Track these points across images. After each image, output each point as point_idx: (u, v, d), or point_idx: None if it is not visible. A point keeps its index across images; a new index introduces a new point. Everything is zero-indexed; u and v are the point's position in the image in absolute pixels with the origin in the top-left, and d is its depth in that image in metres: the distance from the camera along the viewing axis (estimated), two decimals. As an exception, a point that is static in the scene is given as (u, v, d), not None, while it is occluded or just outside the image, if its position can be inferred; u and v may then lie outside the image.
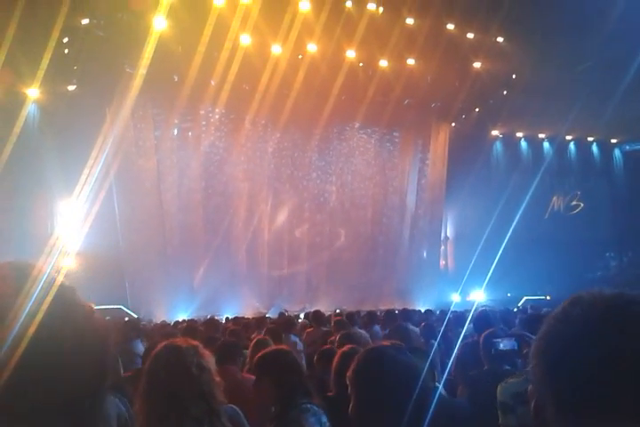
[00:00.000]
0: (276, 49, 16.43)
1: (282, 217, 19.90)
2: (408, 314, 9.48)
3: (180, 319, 12.93)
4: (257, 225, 19.50)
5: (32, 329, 0.72)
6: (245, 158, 19.38)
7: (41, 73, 13.33)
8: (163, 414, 2.39)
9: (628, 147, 26.86)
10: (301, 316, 13.12)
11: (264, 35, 15.89)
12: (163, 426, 2.37)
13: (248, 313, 15.77)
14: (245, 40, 15.86)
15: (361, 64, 18.24)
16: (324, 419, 2.85)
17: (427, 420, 2.12)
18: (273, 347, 3.46)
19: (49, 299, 0.77)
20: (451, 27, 17.86)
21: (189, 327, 6.98)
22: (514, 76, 20.11)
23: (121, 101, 15.18)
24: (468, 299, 19.57)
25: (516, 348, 4.30)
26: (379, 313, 10.24)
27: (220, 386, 2.59)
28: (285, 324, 8.01)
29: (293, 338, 7.36)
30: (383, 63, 18.20)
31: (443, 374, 5.02)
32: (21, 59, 13.42)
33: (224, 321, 11.65)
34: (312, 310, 10.87)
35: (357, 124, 20.92)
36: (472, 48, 18.66)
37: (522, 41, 17.83)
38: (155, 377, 2.47)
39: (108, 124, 15.60)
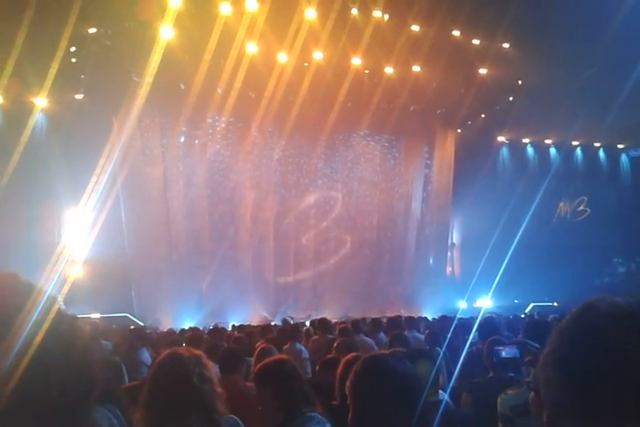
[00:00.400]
0: (282, 57, 16.49)
1: (288, 224, 19.90)
2: (413, 321, 9.46)
3: (187, 327, 12.92)
4: (263, 232, 19.51)
5: (26, 342, 0.74)
6: (251, 166, 19.42)
7: (48, 82, 13.42)
8: (162, 423, 2.39)
9: (634, 152, 26.73)
10: (307, 323, 13.10)
11: (270, 43, 15.95)
12: None
13: (254, 321, 15.78)
14: (251, 48, 15.93)
15: (366, 71, 18.28)
16: None
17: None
18: (272, 357, 3.46)
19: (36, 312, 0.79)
20: (456, 33, 17.85)
21: (194, 336, 6.98)
22: (520, 82, 20.08)
23: (128, 110, 15.27)
24: (474, 306, 19.50)
25: (518, 356, 4.28)
26: (384, 320, 10.22)
27: (221, 397, 2.58)
28: (290, 332, 8.00)
29: (298, 346, 7.36)
30: (389, 70, 18.22)
31: (448, 381, 5.01)
32: (29, 68, 13.54)
33: (230, 329, 11.66)
34: (318, 318, 10.87)
35: (363, 131, 20.94)
36: (477, 54, 18.65)
37: (527, 47, 17.81)
38: (156, 386, 2.46)
39: (116, 132, 15.70)
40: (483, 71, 19.07)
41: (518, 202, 18.02)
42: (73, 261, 14.79)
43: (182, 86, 16.90)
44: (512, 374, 4.45)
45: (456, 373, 5.07)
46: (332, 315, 15.66)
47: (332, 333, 8.27)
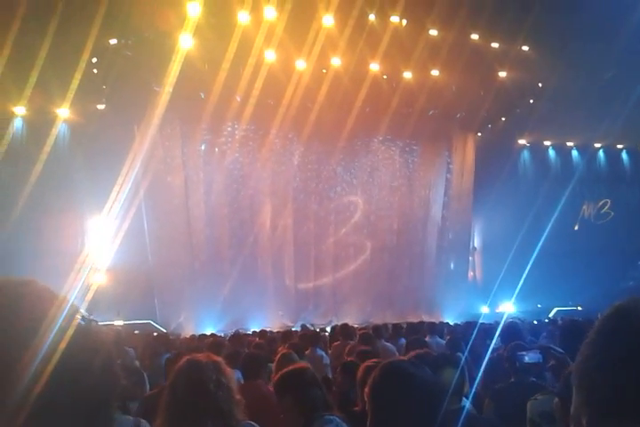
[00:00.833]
0: (301, 64, 16.56)
1: (307, 230, 19.92)
2: (434, 327, 9.40)
3: (207, 333, 12.98)
4: (282, 239, 19.55)
5: (47, 351, 0.76)
6: (271, 172, 19.49)
7: (71, 93, 13.64)
8: None
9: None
10: (328, 329, 13.09)
11: (288, 50, 16.03)
12: None
13: (275, 327, 15.80)
14: (270, 56, 16.02)
15: (385, 76, 18.27)
16: None
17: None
18: (292, 366, 3.48)
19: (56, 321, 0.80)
20: (475, 37, 17.78)
21: (215, 342, 7.01)
22: (540, 85, 19.91)
23: (149, 119, 15.45)
24: (497, 311, 19.31)
25: (541, 361, 4.24)
26: (404, 326, 10.17)
27: (240, 403, 2.59)
28: (311, 337, 8.01)
29: (319, 352, 7.36)
30: (407, 75, 18.19)
31: (471, 387, 4.98)
32: (52, 79, 13.77)
33: (251, 334, 11.69)
34: (339, 324, 10.85)
35: (382, 137, 20.90)
36: (497, 57, 18.54)
37: (547, 49, 17.67)
38: (174, 392, 2.49)
39: (137, 141, 15.88)
40: (502, 74, 18.96)
41: (540, 205, 17.87)
42: (96, 269, 14.97)
43: (202, 95, 17.06)
44: (534, 380, 4.41)
45: (478, 379, 5.03)
46: (352, 321, 15.62)
47: (354, 338, 8.25)
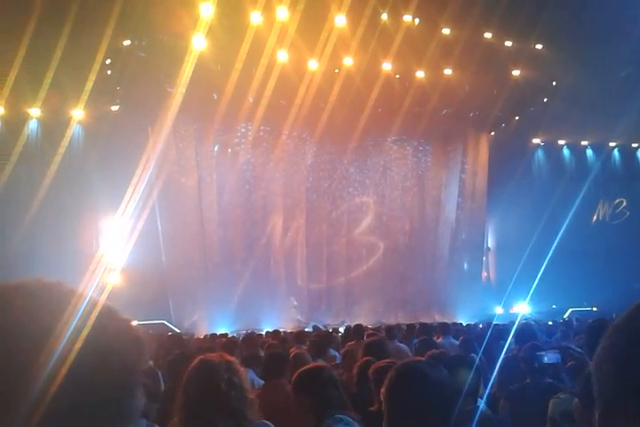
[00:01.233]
0: (313, 64, 16.57)
1: (320, 231, 19.91)
2: (447, 327, 9.36)
3: (217, 333, 13.02)
4: (295, 239, 19.57)
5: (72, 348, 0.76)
6: (283, 173, 19.52)
7: (85, 94, 13.76)
8: None
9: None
10: (341, 329, 13.08)
11: (300, 50, 16.05)
12: None
13: (288, 327, 15.81)
14: (282, 56, 16.05)
15: (397, 76, 18.24)
16: None
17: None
18: (310, 365, 3.46)
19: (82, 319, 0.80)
20: (488, 35, 17.70)
21: (229, 342, 7.02)
22: (554, 83, 19.77)
23: (163, 120, 15.52)
24: (511, 311, 19.19)
25: (560, 361, 4.18)
26: (417, 326, 10.13)
27: (253, 403, 2.58)
28: (325, 338, 8.01)
29: (333, 352, 7.36)
30: (420, 74, 18.14)
31: (485, 388, 4.94)
32: (66, 81, 13.88)
33: (264, 335, 11.71)
34: (352, 324, 10.84)
35: (394, 136, 20.84)
36: (510, 56, 18.44)
37: (561, 47, 17.55)
38: (187, 392, 2.50)
39: (151, 143, 15.96)
40: (516, 73, 18.85)
41: (555, 205, 17.74)
42: (111, 270, 15.05)
43: (215, 96, 17.12)
44: (550, 380, 4.37)
45: (492, 379, 4.99)
46: (365, 321, 15.59)
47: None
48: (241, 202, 19.01)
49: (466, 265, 21.74)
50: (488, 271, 22.71)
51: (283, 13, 14.69)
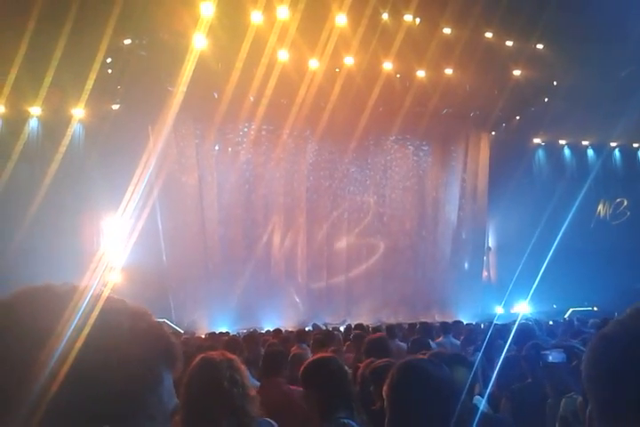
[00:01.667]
0: (313, 63, 16.57)
1: (320, 230, 19.92)
2: (448, 326, 9.35)
3: (216, 332, 13.04)
4: (295, 238, 19.59)
5: (76, 346, 0.75)
6: (284, 172, 19.53)
7: (86, 93, 13.74)
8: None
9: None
10: (341, 328, 13.08)
11: (301, 49, 16.04)
12: None
13: (289, 326, 15.81)
14: (283, 55, 16.05)
15: (398, 75, 18.24)
16: None
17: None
18: (318, 355, 3.42)
19: (92, 317, 0.79)
20: (489, 35, 17.69)
21: (231, 341, 7.02)
22: (555, 83, 19.76)
23: (163, 119, 15.52)
24: (512, 311, 19.18)
25: (565, 360, 4.14)
26: (418, 325, 10.14)
27: (255, 400, 2.58)
28: (328, 336, 8.01)
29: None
30: (420, 74, 18.14)
31: (485, 387, 4.93)
32: (66, 80, 13.88)
33: (266, 334, 11.71)
34: (353, 323, 10.84)
35: (395, 136, 20.85)
36: (511, 56, 18.43)
37: (562, 47, 17.53)
38: (189, 390, 2.50)
39: (152, 142, 15.97)
40: (516, 73, 18.84)
41: (556, 205, 17.72)
42: (112, 268, 15.06)
43: (216, 95, 17.12)
44: (552, 380, 4.36)
45: (493, 378, 4.99)
46: (365, 320, 15.60)
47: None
48: (241, 201, 19.02)
49: (466, 265, 21.73)
50: (489, 271, 22.70)
51: (283, 13, 14.68)
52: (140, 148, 14.91)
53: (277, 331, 11.36)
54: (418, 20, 16.86)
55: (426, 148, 21.78)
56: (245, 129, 18.79)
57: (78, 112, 16.17)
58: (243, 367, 2.69)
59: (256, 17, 14.71)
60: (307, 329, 13.03)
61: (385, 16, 16.38)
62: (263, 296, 17.86)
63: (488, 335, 7.36)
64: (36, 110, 16.22)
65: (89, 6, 12.67)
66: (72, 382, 0.73)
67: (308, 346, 6.96)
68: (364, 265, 20.41)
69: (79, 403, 0.74)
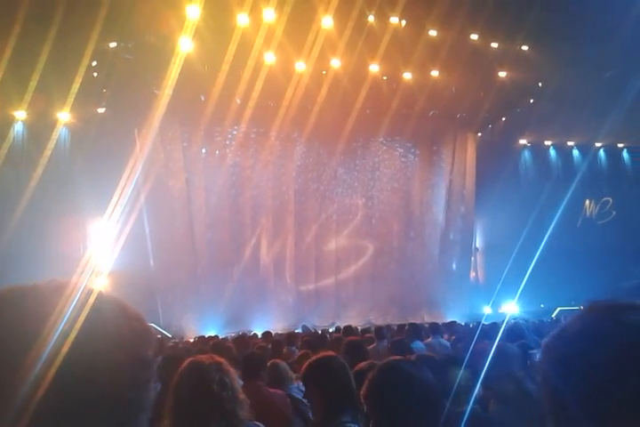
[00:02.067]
0: (300, 65, 16.58)
1: (309, 232, 19.91)
2: (437, 327, 9.37)
3: (208, 336, 12.98)
4: (284, 240, 19.56)
5: (65, 346, 0.75)
6: (272, 175, 19.51)
7: (71, 97, 13.64)
8: None
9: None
10: (331, 330, 13.08)
11: (288, 52, 16.05)
12: None
13: (278, 329, 15.78)
14: (269, 58, 16.04)
15: (385, 77, 18.28)
16: None
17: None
18: (320, 354, 3.40)
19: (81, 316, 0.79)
20: (474, 37, 17.79)
21: (217, 343, 7.00)
22: (540, 84, 19.91)
23: (150, 123, 15.44)
24: (500, 311, 19.27)
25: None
26: (406, 327, 10.15)
27: (244, 404, 2.57)
28: (318, 339, 8.00)
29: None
30: (407, 76, 18.21)
31: (473, 387, 4.93)
32: (52, 83, 13.78)
33: (259, 337, 11.67)
34: (342, 325, 10.82)
35: (382, 138, 20.90)
36: (497, 57, 18.55)
37: (547, 49, 17.67)
38: (177, 394, 2.49)
39: (138, 145, 15.89)
40: (502, 74, 18.96)
41: (542, 205, 17.85)
42: (98, 273, 14.95)
43: (202, 98, 17.07)
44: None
45: (481, 379, 4.99)
46: (354, 322, 15.60)
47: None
48: (229, 204, 18.97)
49: (454, 265, 21.81)
50: (476, 271, 22.81)
51: (270, 15, 14.68)
52: (126, 151, 14.82)
53: (267, 334, 11.33)
54: (404, 23, 16.93)
55: (413, 149, 21.84)
56: (234, 132, 18.75)
57: (64, 116, 16.07)
58: (232, 370, 2.68)
59: (242, 19, 14.69)
60: (296, 331, 13.03)
61: (371, 18, 16.42)
62: (252, 299, 17.81)
63: (476, 336, 7.39)
64: (21, 114, 16.10)
65: (74, 10, 12.60)
66: (60, 385, 0.72)
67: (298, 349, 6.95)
68: (352, 267, 20.42)
69: (69, 405, 0.73)
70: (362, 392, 2.12)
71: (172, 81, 13.72)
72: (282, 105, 16.78)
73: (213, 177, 18.70)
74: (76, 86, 13.30)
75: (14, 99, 15.10)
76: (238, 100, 16.77)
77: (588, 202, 24.59)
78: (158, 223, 17.44)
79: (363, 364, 3.51)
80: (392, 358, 2.33)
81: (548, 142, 24.74)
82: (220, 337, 12.36)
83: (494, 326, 8.67)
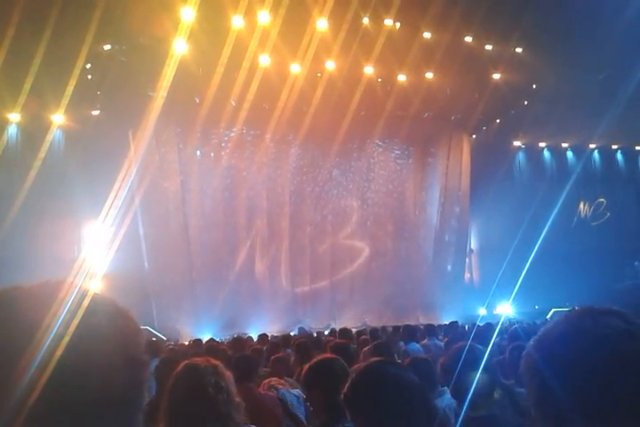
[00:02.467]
0: (295, 68, 16.59)
1: (304, 234, 19.90)
2: (433, 329, 9.39)
3: (204, 339, 12.95)
4: (279, 243, 19.55)
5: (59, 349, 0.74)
6: (266, 177, 19.50)
7: (65, 99, 13.61)
8: None
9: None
10: (326, 333, 13.07)
11: (282, 54, 16.05)
12: None
13: (274, 331, 15.76)
14: (264, 60, 16.04)
15: (379, 79, 18.30)
16: None
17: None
18: (321, 356, 3.38)
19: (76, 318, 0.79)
20: (469, 39, 17.83)
21: (211, 347, 6.99)
22: (534, 86, 19.97)
23: (144, 125, 15.41)
24: (495, 312, 19.30)
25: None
26: (401, 328, 10.16)
27: (240, 407, 2.57)
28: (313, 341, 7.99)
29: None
30: (401, 78, 18.22)
31: (467, 393, 4.92)
32: (46, 86, 13.74)
33: (255, 339, 11.65)
34: (338, 327, 10.82)
35: (377, 140, 20.91)
36: (491, 59, 18.59)
37: (541, 51, 17.71)
38: (173, 397, 2.48)
39: (133, 147, 15.87)
40: (496, 76, 19.00)
41: (537, 206, 17.86)
42: (93, 276, 14.91)
43: (197, 100, 17.06)
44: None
45: (476, 381, 4.99)
46: (350, 324, 15.60)
47: (353, 341, 8.22)
48: (224, 206, 18.94)
49: (449, 267, 21.83)
50: (471, 273, 22.85)
51: (264, 17, 14.68)
52: (121, 153, 14.82)
53: (263, 336, 11.30)
54: (398, 25, 16.94)
55: (408, 151, 21.87)
56: (230, 134, 18.73)
57: (58, 118, 16.03)
58: (228, 373, 2.67)
59: (237, 21, 14.68)
60: (292, 334, 13.01)
61: (366, 20, 16.44)
62: (247, 302, 17.77)
63: (471, 337, 7.39)
64: (15, 117, 16.06)
65: (68, 12, 12.57)
66: (54, 387, 0.72)
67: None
68: (347, 269, 20.41)
69: (63, 407, 0.73)
70: (342, 395, 2.04)
71: (167, 83, 13.71)
72: (277, 107, 16.79)
73: (208, 179, 18.68)
74: (70, 89, 13.28)
75: (8, 101, 15.06)
76: (233, 103, 16.76)
77: (582, 203, 24.68)
78: (153, 225, 17.40)
79: (317, 359, 3.44)
80: (373, 359, 2.24)
81: (542, 144, 24.82)
82: (216, 340, 12.33)
83: (489, 328, 8.69)
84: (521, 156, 24.62)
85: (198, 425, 2.42)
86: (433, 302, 19.98)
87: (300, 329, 14.45)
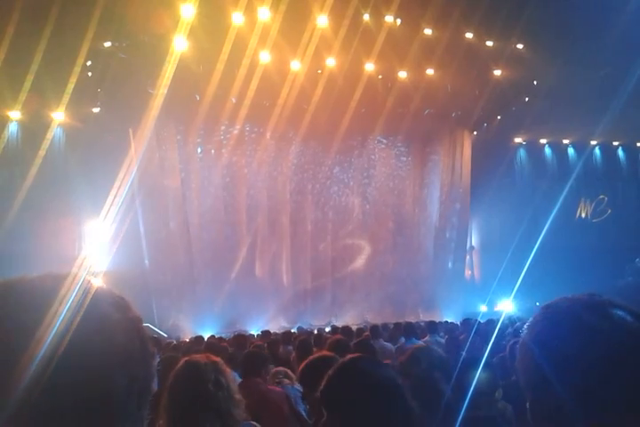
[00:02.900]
0: (295, 65, 16.56)
1: (304, 231, 19.90)
2: (434, 326, 9.39)
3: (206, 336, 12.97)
4: (279, 240, 19.56)
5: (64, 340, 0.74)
6: (267, 174, 19.50)
7: (66, 97, 13.61)
8: None
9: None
10: (327, 330, 13.08)
11: (283, 51, 16.02)
12: None
13: (274, 328, 15.79)
14: (264, 57, 16.02)
15: (380, 76, 18.28)
16: None
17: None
18: (318, 353, 3.37)
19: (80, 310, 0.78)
20: (469, 35, 17.79)
21: (211, 343, 7.00)
22: (535, 83, 19.92)
23: (145, 122, 15.40)
24: (495, 309, 19.30)
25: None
26: (402, 325, 10.16)
27: (240, 403, 2.56)
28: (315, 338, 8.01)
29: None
30: (402, 74, 18.20)
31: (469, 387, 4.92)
32: (46, 83, 13.74)
33: (256, 337, 11.69)
34: (339, 325, 10.83)
35: (378, 137, 20.91)
36: (491, 56, 18.55)
37: (542, 47, 17.68)
38: (173, 393, 2.48)
39: (133, 145, 15.86)
40: (497, 73, 18.96)
41: (538, 203, 17.89)
42: (93, 273, 14.91)
43: (197, 97, 17.04)
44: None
45: (476, 378, 4.99)
46: (351, 321, 15.63)
47: (354, 339, 8.23)
48: (225, 203, 18.95)
49: (450, 264, 21.83)
50: (472, 270, 22.84)
51: (264, 14, 14.66)
52: (121, 151, 14.80)
53: (266, 333, 11.35)
54: (399, 21, 16.91)
55: (409, 148, 21.86)
56: (231, 131, 18.72)
57: (58, 115, 16.02)
58: (228, 370, 2.67)
59: (237, 18, 14.66)
60: (293, 331, 13.04)
61: (366, 17, 16.40)
62: (248, 299, 17.78)
63: (472, 334, 7.40)
64: (15, 114, 16.05)
65: (68, 9, 12.55)
66: (57, 382, 0.72)
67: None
68: (348, 266, 20.42)
69: (66, 403, 0.72)
70: (319, 392, 1.98)
71: (167, 80, 13.70)
72: (277, 104, 16.78)
73: (209, 176, 18.68)
74: (70, 86, 13.27)
75: (8, 99, 15.05)
76: (233, 100, 16.76)
77: (583, 200, 24.65)
78: (154, 223, 17.41)
79: (312, 357, 3.42)
80: (350, 356, 2.17)
81: (543, 141, 24.79)
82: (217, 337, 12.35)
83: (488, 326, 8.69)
84: (522, 152, 24.59)
85: (198, 422, 2.41)
86: (434, 299, 19.99)
87: (300, 329, 14.47)
